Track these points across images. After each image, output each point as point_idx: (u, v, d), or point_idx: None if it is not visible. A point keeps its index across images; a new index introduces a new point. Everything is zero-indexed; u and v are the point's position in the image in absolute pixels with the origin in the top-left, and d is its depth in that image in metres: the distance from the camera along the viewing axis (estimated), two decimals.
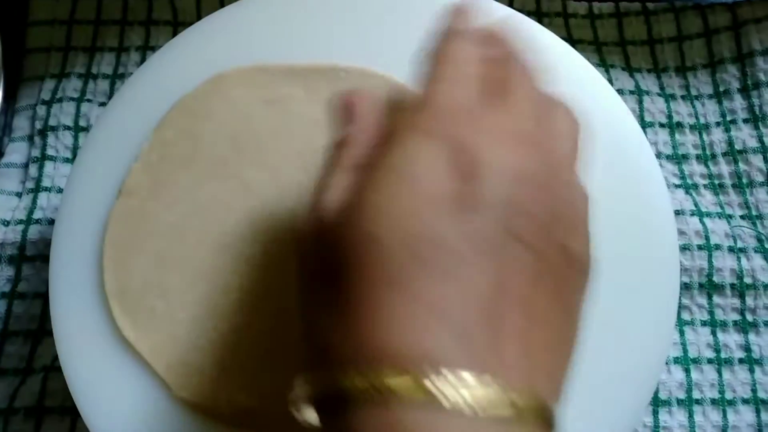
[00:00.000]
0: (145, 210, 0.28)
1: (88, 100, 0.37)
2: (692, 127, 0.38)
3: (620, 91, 0.38)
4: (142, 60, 0.39)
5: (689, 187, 0.37)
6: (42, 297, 0.33)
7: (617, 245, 0.28)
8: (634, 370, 0.27)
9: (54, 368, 0.32)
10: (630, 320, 0.27)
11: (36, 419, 0.31)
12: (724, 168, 0.37)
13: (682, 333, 0.34)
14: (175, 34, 0.39)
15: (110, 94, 0.38)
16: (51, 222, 0.34)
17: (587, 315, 0.26)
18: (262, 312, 0.26)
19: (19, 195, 0.35)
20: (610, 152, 0.30)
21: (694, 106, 0.39)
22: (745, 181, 0.37)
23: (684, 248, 0.34)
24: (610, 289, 0.27)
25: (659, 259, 0.28)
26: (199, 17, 0.40)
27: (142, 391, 0.26)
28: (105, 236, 0.27)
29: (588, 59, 0.39)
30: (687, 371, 0.33)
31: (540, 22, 0.40)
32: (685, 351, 0.33)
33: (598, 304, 0.26)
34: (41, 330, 0.33)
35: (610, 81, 0.39)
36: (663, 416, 0.32)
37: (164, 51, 0.31)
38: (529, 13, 0.40)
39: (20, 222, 0.34)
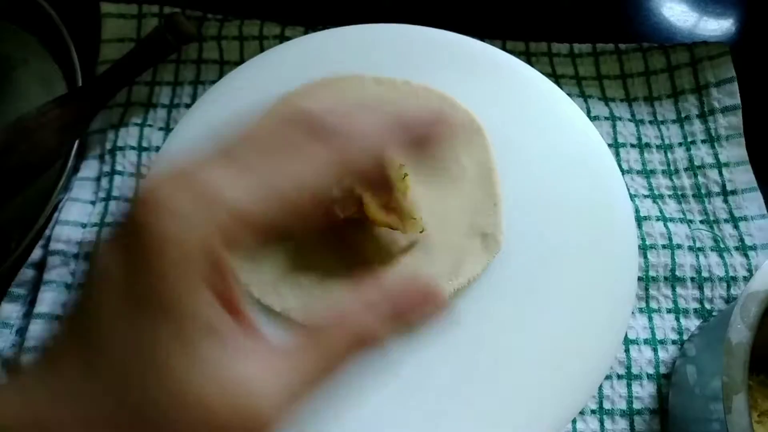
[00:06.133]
0: None
1: (149, 125, 0.45)
2: (658, 147, 0.45)
3: (597, 118, 0.45)
4: (194, 92, 0.46)
5: (656, 197, 0.43)
6: None
7: (584, 235, 0.34)
8: (595, 349, 0.32)
9: None
10: (595, 302, 0.33)
11: None
12: (685, 181, 0.44)
13: (650, 319, 0.39)
14: (221, 71, 0.47)
15: (167, 121, 0.45)
16: None
17: (562, 289, 0.33)
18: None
19: (93, 203, 0.42)
20: (580, 163, 0.36)
21: (660, 130, 0.45)
22: (703, 191, 0.43)
23: (651, 247, 0.40)
24: (577, 281, 0.33)
25: (620, 254, 0.34)
26: (242, 58, 0.47)
27: None
28: None
29: (569, 91, 0.47)
30: (655, 350, 0.39)
31: (529, 60, 0.48)
32: (653, 334, 0.39)
33: (570, 290, 0.33)
34: None
35: (588, 109, 0.46)
36: (635, 388, 0.37)
37: (223, 83, 0.39)
38: (519, 54, 0.48)
39: (95, 225, 0.41)
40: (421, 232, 0.32)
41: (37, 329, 0.38)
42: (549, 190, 0.36)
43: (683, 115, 0.46)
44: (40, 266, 0.40)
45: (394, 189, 0.31)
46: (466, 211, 0.34)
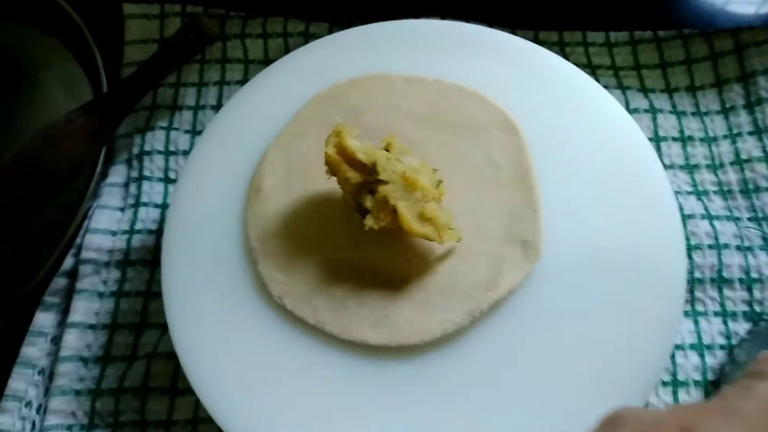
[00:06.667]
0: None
1: (175, 128, 0.44)
2: (702, 140, 0.43)
3: (636, 110, 0.43)
4: (219, 93, 0.45)
5: (700, 194, 0.41)
6: (143, 295, 0.39)
7: (629, 237, 0.32)
8: (643, 358, 0.30)
9: (155, 355, 0.37)
10: (641, 310, 0.31)
11: (141, 397, 0.37)
12: (731, 176, 0.41)
13: (696, 323, 0.38)
14: (246, 70, 0.46)
15: (193, 123, 0.44)
16: (150, 232, 0.41)
17: (607, 298, 0.31)
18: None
19: (122, 210, 0.42)
20: (621, 162, 0.35)
21: (703, 122, 0.43)
22: (751, 186, 0.41)
23: (696, 248, 0.39)
24: (621, 287, 0.32)
25: (666, 256, 0.33)
26: (266, 56, 0.46)
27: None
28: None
29: (606, 83, 0.45)
30: (702, 356, 0.37)
31: (563, 50, 0.46)
32: (699, 338, 0.37)
33: (615, 298, 0.31)
34: (143, 323, 0.39)
35: (627, 101, 0.44)
36: (682, 396, 0.36)
37: (249, 86, 0.38)
38: (552, 44, 0.46)
39: (125, 232, 0.40)
40: (457, 241, 0.31)
41: (71, 339, 0.38)
42: (588, 191, 0.34)
43: (728, 106, 0.43)
44: (72, 275, 0.40)
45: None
46: (503, 216, 0.32)
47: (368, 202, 0.30)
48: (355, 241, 0.32)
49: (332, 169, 0.31)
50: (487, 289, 0.31)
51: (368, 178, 0.30)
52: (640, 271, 0.32)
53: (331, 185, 0.33)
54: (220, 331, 0.32)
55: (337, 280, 0.32)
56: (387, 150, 0.31)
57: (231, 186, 0.35)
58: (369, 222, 0.30)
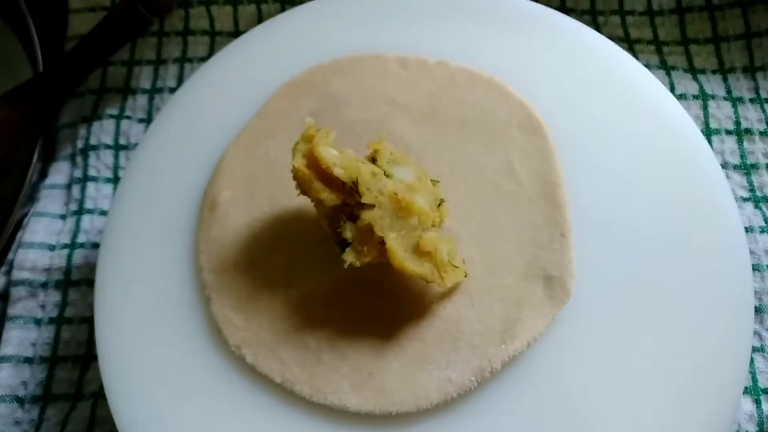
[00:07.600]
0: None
1: (127, 117, 0.37)
2: (762, 134, 0.35)
3: (683, 96, 0.36)
4: (180, 73, 0.38)
5: (759, 201, 0.34)
6: (88, 321, 0.33)
7: (683, 265, 0.26)
8: (709, 404, 0.25)
9: (102, 395, 0.31)
10: (703, 348, 0.25)
11: None
12: None
13: (751, 360, 0.31)
14: (212, 45, 0.39)
15: (148, 110, 0.37)
16: (95, 246, 0.34)
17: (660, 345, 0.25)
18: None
19: (63, 217, 0.35)
20: (672, 167, 0.28)
21: (764, 111, 0.36)
22: None
23: (753, 268, 0.32)
24: (679, 315, 0.25)
25: (730, 282, 0.26)
26: (236, 27, 0.39)
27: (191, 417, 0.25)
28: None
29: (647, 61, 0.37)
30: (757, 402, 0.31)
31: (595, 21, 0.38)
32: (754, 380, 0.31)
33: (666, 350, 0.25)
34: (88, 355, 0.33)
35: (672, 85, 0.36)
36: None
37: (212, 64, 0.31)
38: (582, 12, 0.38)
39: (65, 246, 0.34)
40: (464, 277, 0.24)
41: (4, 375, 0.32)
42: (631, 205, 0.27)
43: None
44: (4, 298, 0.33)
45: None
46: (522, 243, 0.26)
47: (348, 232, 0.23)
48: (333, 274, 0.25)
49: (302, 187, 0.24)
50: (500, 341, 0.24)
51: (348, 200, 0.23)
52: (697, 313, 0.26)
53: (303, 200, 0.26)
54: (165, 388, 0.25)
55: (309, 325, 0.25)
56: (374, 159, 0.24)
57: (183, 197, 0.29)
58: (349, 257, 0.23)
